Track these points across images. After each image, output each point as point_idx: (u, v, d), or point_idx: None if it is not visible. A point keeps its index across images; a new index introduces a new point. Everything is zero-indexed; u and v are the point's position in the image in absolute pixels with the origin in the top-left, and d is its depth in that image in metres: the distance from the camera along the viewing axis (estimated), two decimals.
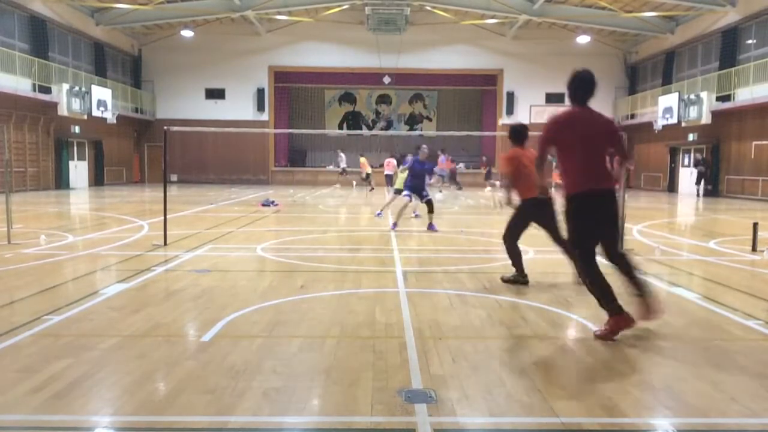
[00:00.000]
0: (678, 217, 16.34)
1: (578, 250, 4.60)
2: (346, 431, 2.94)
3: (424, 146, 11.67)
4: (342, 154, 29.51)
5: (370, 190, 24.51)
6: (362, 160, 26.15)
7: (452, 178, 27.48)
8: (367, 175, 25.66)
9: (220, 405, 3.15)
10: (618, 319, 4.40)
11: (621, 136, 4.85)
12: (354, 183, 27.08)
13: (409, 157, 13.64)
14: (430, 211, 11.42)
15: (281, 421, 3.02)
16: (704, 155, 25.42)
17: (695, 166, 25.40)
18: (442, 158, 26.26)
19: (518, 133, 6.50)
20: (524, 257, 8.24)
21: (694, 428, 3.03)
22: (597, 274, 4.50)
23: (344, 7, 29.64)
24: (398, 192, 12.42)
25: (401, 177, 12.43)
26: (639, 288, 4.50)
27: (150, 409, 3.11)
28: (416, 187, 11.50)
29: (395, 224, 11.38)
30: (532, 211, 6.29)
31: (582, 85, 4.70)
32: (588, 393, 3.39)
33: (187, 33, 30.25)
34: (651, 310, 4.48)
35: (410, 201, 11.60)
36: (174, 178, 32.34)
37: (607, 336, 4.39)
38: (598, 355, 4.03)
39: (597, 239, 4.58)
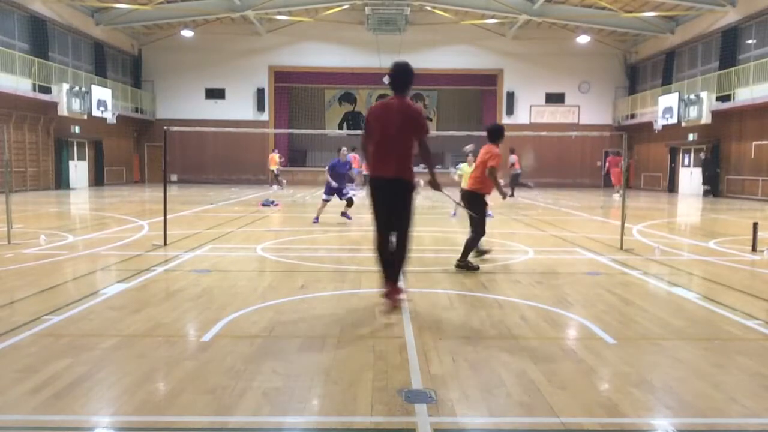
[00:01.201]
0: (678, 217, 16.34)
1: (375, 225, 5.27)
2: (346, 431, 2.94)
3: (344, 148, 12.76)
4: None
5: (280, 189, 24.04)
6: (271, 155, 25.32)
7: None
8: (272, 173, 24.94)
9: (220, 405, 3.15)
10: (391, 288, 5.18)
11: (422, 128, 5.12)
12: (284, 182, 26.31)
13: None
14: (349, 205, 12.40)
15: (281, 421, 3.02)
16: (706, 155, 25.36)
17: (702, 166, 25.31)
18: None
19: (498, 132, 7.36)
20: (524, 257, 8.31)
21: (694, 428, 3.03)
22: (380, 251, 5.20)
23: (344, 7, 29.64)
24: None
25: (466, 172, 11.58)
26: (390, 272, 5.16)
27: (150, 409, 3.11)
28: (337, 187, 12.29)
29: (317, 218, 12.32)
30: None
31: (396, 76, 5.12)
32: (588, 393, 3.39)
33: (187, 33, 30.26)
34: (387, 293, 5.14)
35: (328, 202, 12.41)
36: (174, 178, 32.33)
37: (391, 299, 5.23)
38: (598, 355, 4.03)
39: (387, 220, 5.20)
